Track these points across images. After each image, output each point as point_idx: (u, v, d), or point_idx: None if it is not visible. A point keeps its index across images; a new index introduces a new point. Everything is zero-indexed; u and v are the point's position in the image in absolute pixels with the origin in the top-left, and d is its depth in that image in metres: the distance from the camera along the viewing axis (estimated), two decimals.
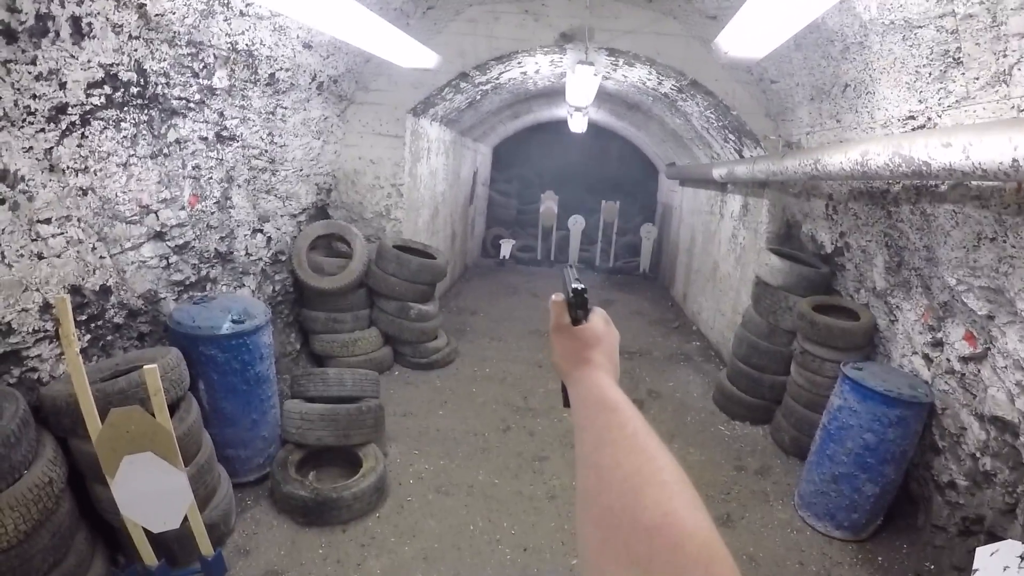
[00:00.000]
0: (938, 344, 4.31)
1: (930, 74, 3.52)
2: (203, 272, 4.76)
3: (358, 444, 4.63)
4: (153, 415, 2.92)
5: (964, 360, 3.98)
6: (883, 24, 3.69)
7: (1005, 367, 3.52)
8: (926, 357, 4.46)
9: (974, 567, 2.59)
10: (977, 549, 2.63)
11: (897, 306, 4.82)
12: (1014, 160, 2.44)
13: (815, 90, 5.18)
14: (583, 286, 1.20)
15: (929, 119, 3.72)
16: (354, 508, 4.22)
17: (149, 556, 3.13)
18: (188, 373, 3.75)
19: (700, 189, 10.45)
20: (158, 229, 4.16)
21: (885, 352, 5.06)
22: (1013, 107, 2.92)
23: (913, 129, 3.91)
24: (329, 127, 6.54)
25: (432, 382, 6.86)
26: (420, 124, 7.68)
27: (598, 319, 1.20)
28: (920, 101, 3.74)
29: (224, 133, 4.72)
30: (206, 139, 4.52)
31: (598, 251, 14.62)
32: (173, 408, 3.47)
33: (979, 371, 3.84)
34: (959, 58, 3.19)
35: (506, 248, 14.35)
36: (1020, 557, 2.49)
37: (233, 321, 4.14)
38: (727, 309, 8.31)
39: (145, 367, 2.92)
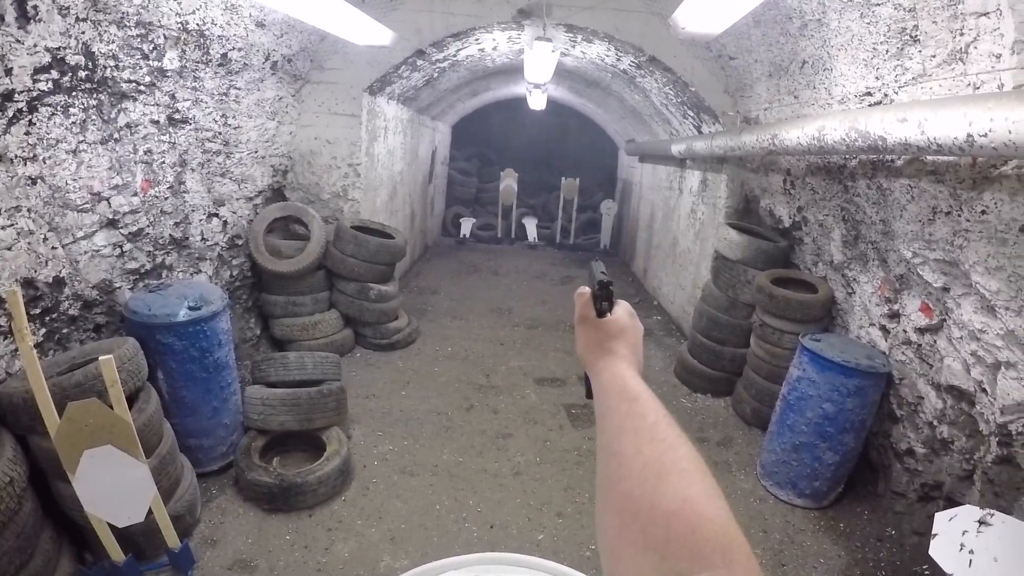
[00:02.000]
0: (895, 316, 4.39)
1: (887, 51, 3.55)
2: (158, 259, 4.65)
3: (321, 428, 4.60)
4: (111, 407, 2.86)
5: (920, 331, 4.07)
6: (841, 1, 3.71)
7: (960, 338, 3.60)
8: (883, 328, 4.55)
9: (934, 531, 2.64)
10: (936, 514, 2.69)
11: (854, 279, 4.90)
12: (968, 135, 2.48)
13: (773, 66, 5.21)
14: (609, 279, 1.21)
15: (886, 95, 3.77)
16: (319, 492, 4.20)
17: (116, 552, 3.08)
18: (146, 363, 3.67)
19: (659, 165, 10.50)
20: (110, 216, 4.05)
21: (843, 324, 5.15)
22: (969, 84, 2.96)
23: (870, 105, 3.96)
24: (284, 107, 6.42)
25: (394, 363, 6.84)
26: (377, 103, 7.58)
27: (623, 312, 1.21)
28: (877, 78, 3.78)
29: (176, 116, 4.60)
30: (158, 122, 4.40)
31: (558, 228, 14.62)
32: (132, 399, 3.40)
33: (935, 342, 3.92)
34: (916, 36, 3.23)
35: (466, 227, 14.31)
36: (978, 522, 2.55)
37: (190, 308, 4.06)
38: (687, 284, 8.39)
39: (101, 358, 2.85)
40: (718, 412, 6.14)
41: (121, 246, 4.21)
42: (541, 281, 11.20)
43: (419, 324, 7.83)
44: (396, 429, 5.36)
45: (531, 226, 14.59)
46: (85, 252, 3.86)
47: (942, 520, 2.66)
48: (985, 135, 2.38)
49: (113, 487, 2.88)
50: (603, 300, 1.20)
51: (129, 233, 4.27)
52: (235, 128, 5.52)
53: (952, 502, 3.61)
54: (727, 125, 6.71)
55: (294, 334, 6.41)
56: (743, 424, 5.85)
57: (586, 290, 1.24)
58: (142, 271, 4.46)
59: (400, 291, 7.57)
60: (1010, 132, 2.25)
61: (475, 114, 15.20)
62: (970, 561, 2.47)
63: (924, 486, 4.06)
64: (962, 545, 2.53)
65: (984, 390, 3.43)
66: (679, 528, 0.67)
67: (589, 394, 1.14)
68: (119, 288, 4.20)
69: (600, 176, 16.30)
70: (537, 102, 11.52)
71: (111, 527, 3.02)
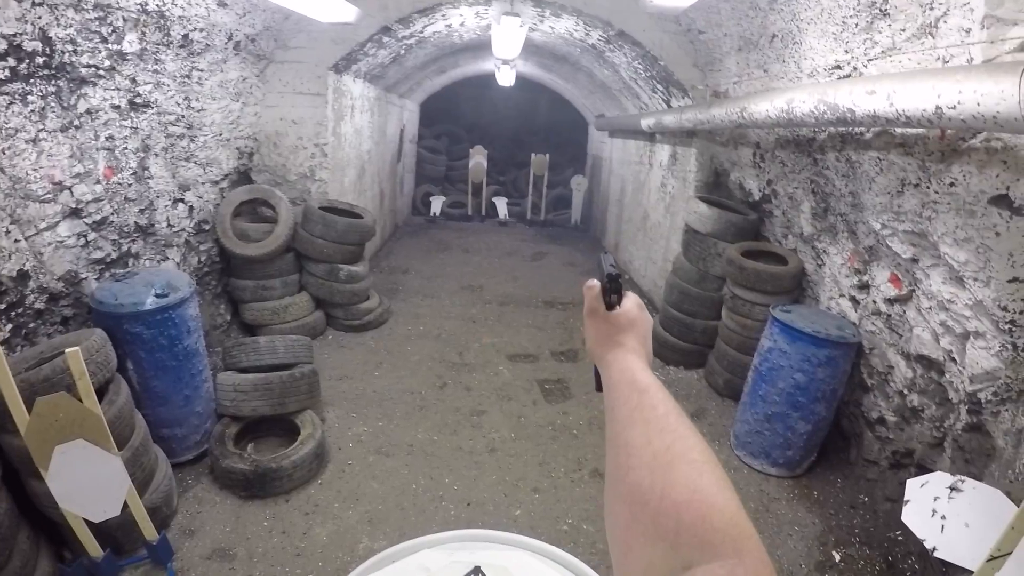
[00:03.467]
0: (864, 287, 4.45)
1: (857, 25, 3.56)
2: (124, 248, 4.56)
3: (294, 412, 4.57)
4: (81, 400, 2.81)
5: (890, 302, 4.12)
6: None
7: (930, 308, 3.65)
8: (853, 299, 4.60)
9: (905, 498, 2.70)
10: (908, 481, 2.75)
11: (824, 250, 4.95)
12: (937, 107, 2.49)
13: (743, 40, 5.21)
14: (618, 271, 1.21)
15: (855, 69, 3.79)
16: (295, 477, 4.19)
17: (94, 548, 3.06)
18: (114, 354, 3.61)
19: (629, 140, 10.50)
20: (73, 206, 3.96)
21: (813, 295, 5.21)
22: (938, 58, 2.98)
23: (839, 79, 3.97)
24: (248, 88, 6.31)
25: (366, 343, 6.82)
26: (343, 81, 7.47)
27: (631, 304, 1.20)
28: (846, 51, 3.80)
29: (137, 100, 4.50)
30: (119, 107, 4.30)
31: (529, 205, 14.59)
32: (101, 391, 3.35)
33: (905, 312, 3.98)
34: (886, 10, 3.24)
35: (436, 205, 14.24)
36: (949, 488, 2.60)
37: (157, 295, 3.99)
38: (658, 257, 8.43)
39: (67, 351, 2.80)
40: (691, 384, 6.20)
41: (86, 236, 4.12)
42: (512, 258, 11.20)
43: (390, 304, 7.80)
44: (370, 410, 5.35)
45: (501, 203, 14.55)
46: (49, 243, 3.77)
47: (914, 487, 2.71)
48: (954, 107, 2.40)
49: (87, 482, 2.85)
50: (612, 293, 1.19)
51: (93, 222, 4.18)
52: (198, 111, 5.42)
53: (923, 469, 3.68)
54: (696, 99, 6.71)
55: (265, 318, 6.35)
56: (716, 395, 5.92)
57: (595, 283, 1.23)
58: (108, 260, 4.38)
59: (370, 271, 7.54)
60: (979, 104, 2.26)
61: (443, 91, 15.06)
62: (942, 527, 2.52)
63: (896, 453, 4.13)
64: (934, 511, 2.58)
65: (953, 359, 3.48)
66: (689, 518, 0.68)
67: (599, 387, 1.14)
68: (85, 279, 4.12)
69: (570, 152, 16.29)
70: (506, 78, 11.45)
71: (88, 523, 2.99)
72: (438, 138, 16.20)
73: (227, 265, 6.34)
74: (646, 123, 7.84)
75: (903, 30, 3.19)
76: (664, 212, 8.29)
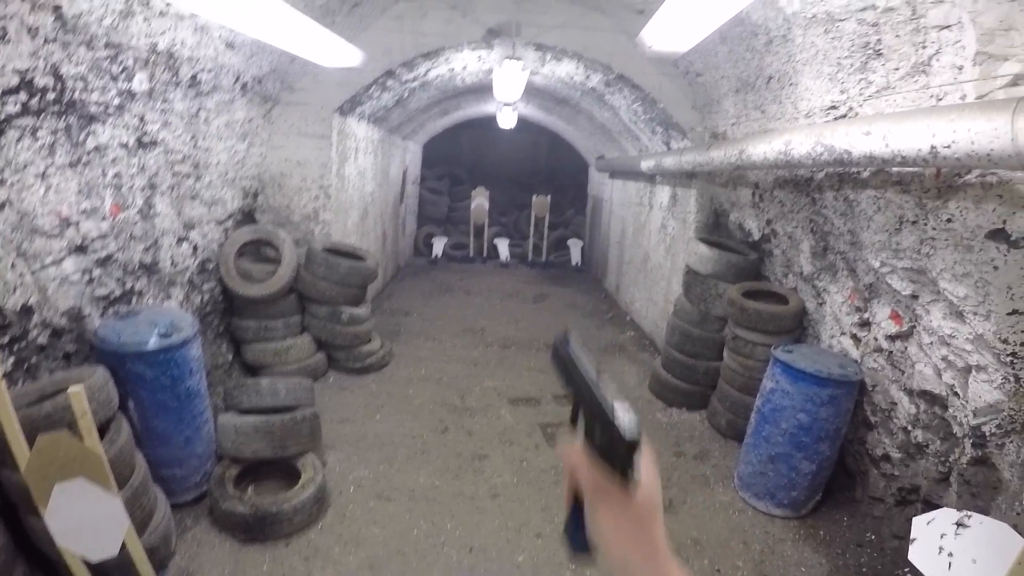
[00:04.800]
0: (865, 324, 4.45)
1: (851, 65, 3.63)
2: (128, 285, 4.58)
3: (295, 455, 4.53)
4: (82, 439, 2.80)
5: (891, 338, 4.12)
6: (805, 17, 3.79)
7: (931, 343, 3.66)
8: (854, 337, 4.61)
9: (912, 535, 2.67)
10: (914, 518, 2.72)
11: (824, 289, 4.96)
12: (932, 147, 2.53)
13: (740, 82, 5.29)
14: (638, 424, 0.80)
15: (851, 108, 3.85)
16: (295, 521, 4.13)
17: None
18: (116, 392, 3.60)
19: (629, 181, 10.59)
20: (79, 242, 3.98)
21: (814, 334, 5.21)
22: (932, 96, 3.03)
23: (835, 119, 4.03)
24: (254, 129, 6.39)
25: (368, 386, 6.78)
26: (347, 123, 7.57)
27: (651, 473, 0.83)
28: (842, 91, 3.86)
29: (145, 138, 4.55)
30: (126, 145, 4.35)
31: (530, 246, 14.66)
32: (102, 430, 3.32)
33: (906, 348, 3.98)
34: (879, 50, 3.30)
35: (438, 246, 14.30)
36: (956, 524, 2.58)
37: (160, 335, 3.99)
38: (659, 299, 8.44)
39: (70, 390, 2.79)
40: (694, 426, 6.15)
41: (90, 272, 4.14)
42: (514, 300, 11.21)
43: (392, 346, 7.77)
44: (371, 454, 5.30)
45: (503, 245, 14.62)
46: (54, 279, 3.79)
47: (920, 524, 2.68)
48: (948, 146, 2.43)
49: (86, 521, 2.82)
50: (627, 465, 0.81)
51: (98, 259, 4.20)
52: (205, 150, 5.48)
53: (930, 505, 3.65)
54: (695, 141, 6.79)
55: (267, 359, 6.33)
56: (719, 437, 5.87)
57: (577, 453, 0.83)
58: (112, 297, 4.39)
59: (372, 313, 7.53)
60: (972, 143, 2.30)
61: (446, 133, 15.25)
62: (949, 564, 2.49)
63: (901, 490, 4.11)
64: (941, 548, 2.55)
65: (956, 393, 3.48)
66: None
67: (581, 548, 0.87)
68: (88, 315, 4.13)
69: (571, 193, 16.42)
70: (507, 120, 11.60)
71: (85, 562, 2.95)
72: (440, 179, 16.36)
73: (230, 305, 6.34)
74: (646, 165, 7.92)
75: (897, 69, 3.24)
76: (664, 253, 8.33)
